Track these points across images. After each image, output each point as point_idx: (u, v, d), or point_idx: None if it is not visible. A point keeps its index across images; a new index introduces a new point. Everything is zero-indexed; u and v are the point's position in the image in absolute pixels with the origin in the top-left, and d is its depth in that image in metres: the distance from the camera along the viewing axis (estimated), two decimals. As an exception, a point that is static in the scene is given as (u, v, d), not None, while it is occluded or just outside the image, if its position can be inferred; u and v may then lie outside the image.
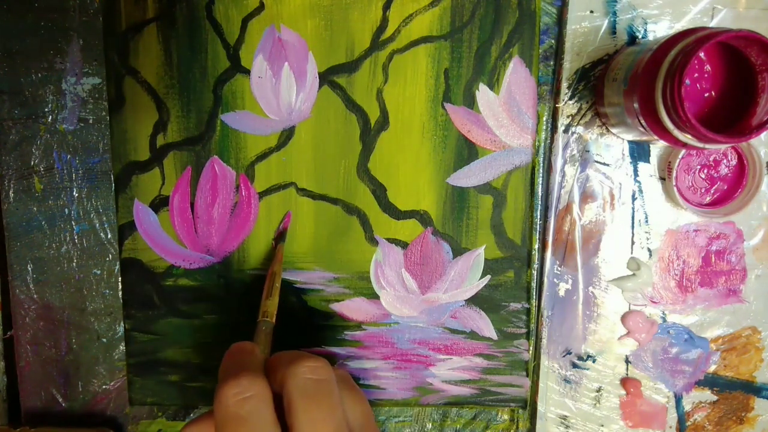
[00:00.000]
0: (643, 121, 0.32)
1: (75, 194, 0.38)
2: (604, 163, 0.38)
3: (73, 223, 0.39)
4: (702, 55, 0.32)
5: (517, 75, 0.38)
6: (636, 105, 0.32)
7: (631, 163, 0.38)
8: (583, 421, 0.40)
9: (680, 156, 0.37)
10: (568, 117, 0.38)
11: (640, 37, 0.37)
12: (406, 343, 0.40)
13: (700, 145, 0.30)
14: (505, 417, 0.41)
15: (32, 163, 0.38)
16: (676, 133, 0.30)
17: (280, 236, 0.38)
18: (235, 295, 0.39)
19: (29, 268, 0.39)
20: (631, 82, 0.33)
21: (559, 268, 0.39)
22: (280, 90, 0.38)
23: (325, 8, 0.37)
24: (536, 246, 0.39)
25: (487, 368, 0.40)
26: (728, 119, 0.32)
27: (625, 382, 0.40)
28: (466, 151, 0.38)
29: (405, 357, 0.40)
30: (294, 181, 0.38)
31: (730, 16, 0.37)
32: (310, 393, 0.26)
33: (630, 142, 0.38)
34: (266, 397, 0.26)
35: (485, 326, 0.40)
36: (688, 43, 0.29)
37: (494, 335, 0.40)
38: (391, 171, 0.38)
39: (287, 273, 0.39)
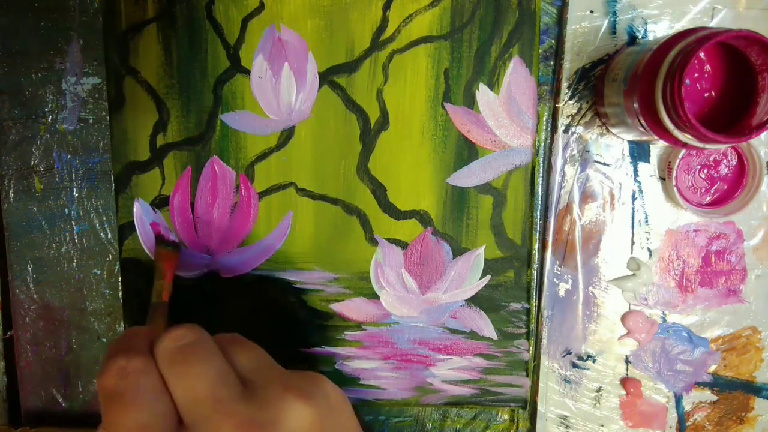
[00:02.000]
0: (643, 121, 0.32)
1: (75, 194, 0.38)
2: (604, 163, 0.38)
3: (73, 223, 0.39)
4: (702, 55, 0.32)
5: (517, 75, 0.38)
6: (636, 105, 0.32)
7: (631, 163, 0.38)
8: (583, 421, 0.40)
9: (680, 156, 0.37)
10: (568, 117, 0.38)
11: (640, 37, 0.37)
12: (406, 343, 0.40)
13: (700, 145, 0.30)
14: (505, 417, 0.41)
15: (32, 163, 0.38)
16: (676, 133, 0.30)
17: (160, 240, 0.38)
18: (235, 295, 0.39)
19: (29, 268, 0.39)
20: (631, 82, 0.33)
21: (559, 268, 0.39)
22: (280, 90, 0.38)
23: (325, 8, 0.37)
24: (536, 246, 0.39)
25: (487, 368, 0.40)
26: (728, 119, 0.32)
27: (625, 382, 0.40)
28: (466, 151, 0.38)
29: (405, 357, 0.40)
30: (294, 181, 0.38)
31: (730, 16, 0.37)
32: (176, 359, 0.26)
33: (630, 142, 0.38)
34: (146, 369, 0.25)
35: (485, 326, 0.40)
36: (688, 43, 0.29)
37: (494, 335, 0.40)
38: (391, 171, 0.38)
39: (287, 273, 0.39)
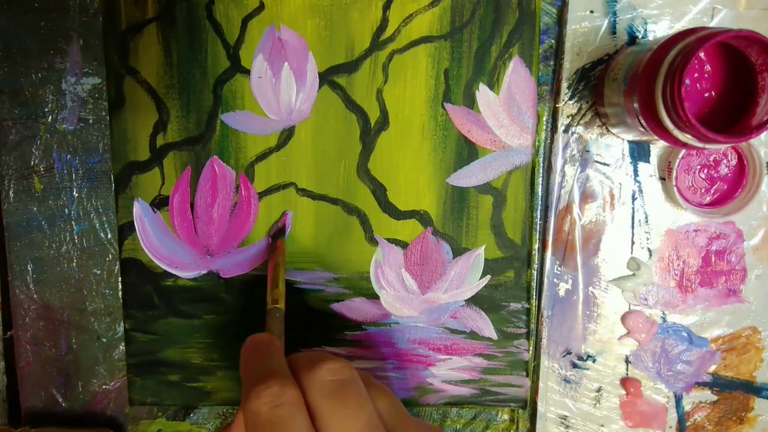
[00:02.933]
0: (643, 121, 0.32)
1: (75, 194, 0.38)
2: (604, 163, 0.38)
3: (73, 223, 0.39)
4: (702, 55, 0.32)
5: (517, 75, 0.38)
6: (636, 105, 0.32)
7: (631, 163, 0.38)
8: (583, 421, 0.40)
9: (680, 156, 0.37)
10: (568, 117, 0.38)
11: (640, 37, 0.37)
12: (406, 343, 0.40)
13: (700, 145, 0.30)
14: (505, 417, 0.41)
15: (32, 163, 0.38)
16: (676, 133, 0.30)
17: (279, 232, 0.38)
18: (235, 295, 0.39)
19: (29, 268, 0.39)
20: (631, 82, 0.33)
21: (559, 268, 0.39)
22: (280, 90, 0.38)
23: (325, 8, 0.37)
24: (536, 246, 0.39)
25: (487, 368, 0.40)
26: (728, 119, 0.32)
27: (625, 382, 0.40)
28: (466, 151, 0.38)
29: (405, 357, 0.40)
30: (294, 181, 0.38)
31: (730, 16, 0.37)
32: (334, 394, 0.26)
33: (630, 142, 0.38)
34: (299, 401, 0.26)
35: (485, 326, 0.40)
36: (688, 43, 0.29)
37: (494, 335, 0.40)
38: (391, 171, 0.38)
39: (287, 273, 0.39)
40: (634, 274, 0.39)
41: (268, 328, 0.33)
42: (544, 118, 0.38)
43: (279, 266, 0.36)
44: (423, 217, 0.39)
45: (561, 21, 0.37)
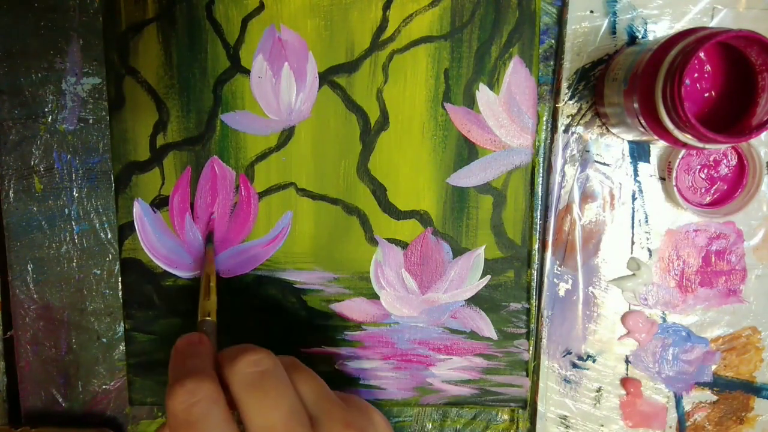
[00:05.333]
0: (643, 121, 0.32)
1: (75, 194, 0.38)
2: (604, 163, 0.38)
3: (73, 223, 0.39)
4: (702, 55, 0.32)
5: (517, 75, 0.38)
6: (636, 105, 0.32)
7: (631, 163, 0.38)
8: (583, 421, 0.40)
9: (680, 156, 0.37)
10: (568, 117, 0.38)
11: (640, 37, 0.37)
12: (406, 343, 0.40)
13: (700, 145, 0.30)
14: (505, 417, 0.41)
15: (32, 163, 0.38)
16: (676, 133, 0.30)
17: (208, 239, 0.38)
18: (235, 295, 0.39)
19: (29, 268, 0.39)
20: (631, 82, 0.33)
21: (559, 268, 0.39)
22: (280, 90, 0.38)
23: (325, 8, 0.37)
24: (536, 246, 0.39)
25: (487, 368, 0.40)
26: (728, 119, 0.32)
27: (625, 382, 0.40)
28: (466, 151, 0.38)
29: (405, 357, 0.40)
30: (294, 181, 0.38)
31: (730, 16, 0.37)
32: (255, 386, 0.26)
33: (630, 142, 0.38)
34: (216, 397, 0.26)
35: (485, 326, 0.40)
36: (688, 43, 0.29)
37: (494, 335, 0.40)
38: (391, 171, 0.38)
39: (287, 273, 0.39)
40: (634, 274, 0.39)
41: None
42: (544, 118, 0.38)
43: (209, 276, 0.36)
44: (423, 217, 0.39)
45: (561, 21, 0.37)
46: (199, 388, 0.26)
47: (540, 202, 0.39)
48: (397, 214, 0.39)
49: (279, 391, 0.26)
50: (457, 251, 0.39)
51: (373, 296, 0.39)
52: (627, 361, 0.40)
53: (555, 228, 0.39)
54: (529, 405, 0.41)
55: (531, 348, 0.40)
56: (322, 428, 0.27)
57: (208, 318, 0.34)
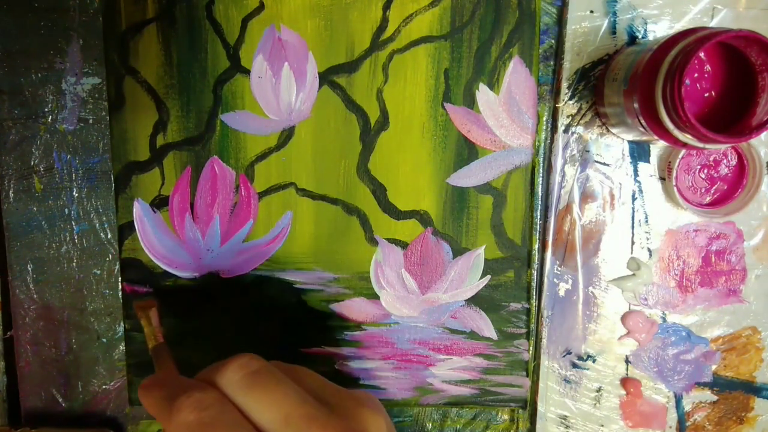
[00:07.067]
0: (643, 121, 0.32)
1: (75, 194, 0.38)
2: (604, 163, 0.38)
3: (73, 223, 0.39)
4: (702, 55, 0.32)
5: (517, 75, 0.38)
6: (636, 105, 0.32)
7: (631, 163, 0.38)
8: (583, 421, 0.40)
9: (680, 156, 0.37)
10: (568, 117, 0.38)
11: (640, 37, 0.37)
12: (406, 343, 0.40)
13: (700, 145, 0.30)
14: (505, 417, 0.41)
15: (32, 163, 0.38)
16: (676, 133, 0.30)
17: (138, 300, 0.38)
18: (235, 295, 0.39)
19: (29, 268, 0.39)
20: (631, 82, 0.33)
21: (559, 268, 0.39)
22: (280, 90, 0.38)
23: (325, 8, 0.37)
24: (536, 246, 0.39)
25: (487, 368, 0.40)
26: (728, 119, 0.32)
27: (625, 382, 0.40)
28: (466, 151, 0.38)
29: (405, 357, 0.40)
30: (294, 181, 0.38)
31: (730, 16, 0.37)
32: (252, 385, 0.26)
33: (630, 142, 0.38)
34: (225, 400, 0.25)
35: (485, 326, 0.40)
36: (688, 43, 0.29)
37: (494, 335, 0.40)
38: (391, 171, 0.38)
39: (287, 273, 0.39)
40: (634, 274, 0.39)
41: (158, 367, 0.32)
42: (544, 118, 0.38)
43: (142, 312, 0.36)
44: (423, 217, 0.39)
45: (561, 21, 0.37)
46: (206, 395, 0.25)
47: (540, 202, 0.39)
48: (397, 214, 0.39)
49: (278, 383, 0.26)
50: (457, 251, 0.39)
51: (373, 296, 0.39)
52: (627, 361, 0.40)
53: (555, 228, 0.39)
54: (529, 405, 0.41)
55: (531, 348, 0.40)
56: (335, 408, 0.26)
57: (159, 342, 0.34)
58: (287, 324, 0.39)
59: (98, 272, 0.39)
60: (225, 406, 0.25)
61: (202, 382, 0.27)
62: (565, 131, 0.38)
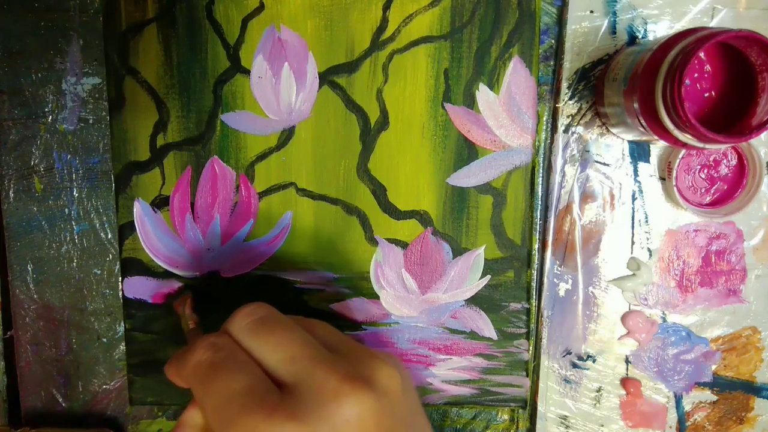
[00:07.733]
0: (643, 121, 0.32)
1: (75, 194, 0.38)
2: (604, 163, 0.38)
3: (73, 223, 0.39)
4: (702, 55, 0.32)
5: (517, 75, 0.38)
6: (636, 105, 0.32)
7: (631, 163, 0.38)
8: (583, 421, 0.40)
9: (680, 156, 0.37)
10: (568, 117, 0.38)
11: (640, 37, 0.37)
12: (406, 343, 0.40)
13: (700, 145, 0.30)
14: (505, 417, 0.41)
15: (32, 163, 0.38)
16: (676, 133, 0.30)
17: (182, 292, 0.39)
18: (235, 295, 0.39)
19: (29, 268, 0.39)
20: (631, 82, 0.33)
21: (559, 268, 0.39)
22: (280, 90, 0.38)
23: (325, 8, 0.37)
24: (536, 246, 0.39)
25: (487, 368, 0.40)
26: (728, 119, 0.32)
27: (625, 382, 0.40)
28: (466, 151, 0.38)
29: (405, 357, 0.40)
30: (294, 181, 0.38)
31: (730, 16, 0.37)
32: (259, 330, 0.27)
33: (630, 142, 0.38)
34: (236, 347, 0.27)
35: (485, 326, 0.40)
36: (688, 43, 0.29)
37: (494, 335, 0.40)
38: (391, 171, 0.38)
39: (287, 273, 0.39)
40: (634, 274, 0.39)
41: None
42: (544, 118, 0.38)
43: (179, 304, 0.37)
44: (423, 217, 0.39)
45: (561, 21, 0.37)
46: (219, 340, 0.27)
47: (540, 202, 0.39)
48: (397, 214, 0.39)
49: (284, 327, 0.27)
50: (457, 251, 0.39)
51: (373, 296, 0.39)
52: (627, 361, 0.40)
53: (555, 228, 0.39)
54: (529, 405, 0.41)
55: (531, 348, 0.40)
56: (346, 354, 0.27)
57: (194, 327, 0.36)
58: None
59: (98, 272, 0.39)
60: (237, 349, 0.26)
61: (217, 332, 0.28)
62: (565, 131, 0.38)
